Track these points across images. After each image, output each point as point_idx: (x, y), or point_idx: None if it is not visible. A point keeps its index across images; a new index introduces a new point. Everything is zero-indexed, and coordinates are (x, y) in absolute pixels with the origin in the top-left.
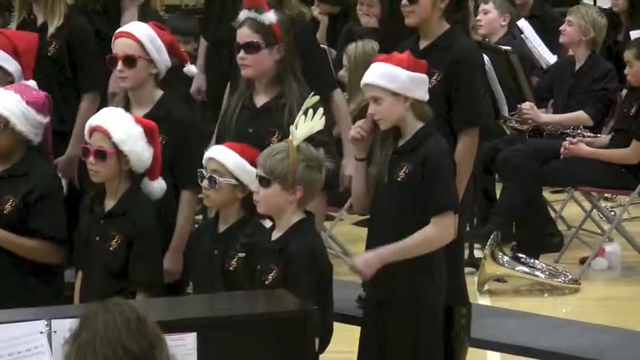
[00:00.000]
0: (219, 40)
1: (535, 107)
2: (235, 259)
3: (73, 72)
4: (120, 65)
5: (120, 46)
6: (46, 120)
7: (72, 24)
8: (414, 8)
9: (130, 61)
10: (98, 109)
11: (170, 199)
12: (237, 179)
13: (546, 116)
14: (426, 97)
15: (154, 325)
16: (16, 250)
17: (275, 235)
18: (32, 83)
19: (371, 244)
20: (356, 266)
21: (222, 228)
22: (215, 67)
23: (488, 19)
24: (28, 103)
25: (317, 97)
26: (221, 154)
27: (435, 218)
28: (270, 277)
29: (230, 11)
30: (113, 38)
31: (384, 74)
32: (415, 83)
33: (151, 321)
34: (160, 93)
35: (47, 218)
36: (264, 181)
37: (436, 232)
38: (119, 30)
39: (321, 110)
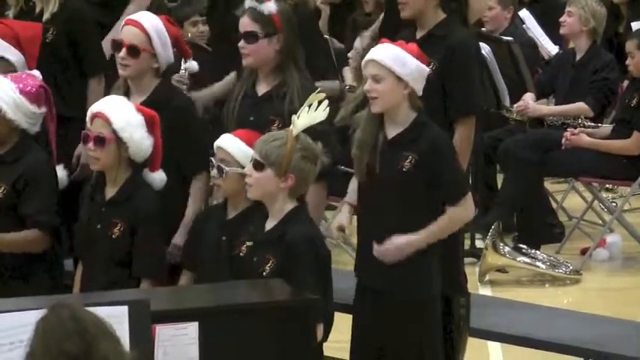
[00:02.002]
0: (224, 28)
1: (532, 99)
2: (245, 246)
3: (74, 57)
4: (123, 53)
5: (127, 34)
6: (41, 110)
7: (68, 9)
8: (408, 0)
9: (134, 51)
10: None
11: (171, 187)
12: (244, 167)
13: (546, 108)
14: (421, 92)
15: (95, 320)
16: (9, 248)
17: (269, 224)
18: (36, 73)
19: (365, 234)
20: (383, 251)
21: (231, 215)
22: (220, 55)
23: (493, 14)
24: (21, 92)
25: (323, 94)
26: (227, 143)
27: (460, 201)
28: (267, 267)
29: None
30: (123, 24)
31: (395, 56)
32: (420, 75)
33: (91, 315)
34: (157, 81)
35: (33, 202)
36: (258, 165)
37: (462, 212)
38: (129, 17)
39: (325, 102)
